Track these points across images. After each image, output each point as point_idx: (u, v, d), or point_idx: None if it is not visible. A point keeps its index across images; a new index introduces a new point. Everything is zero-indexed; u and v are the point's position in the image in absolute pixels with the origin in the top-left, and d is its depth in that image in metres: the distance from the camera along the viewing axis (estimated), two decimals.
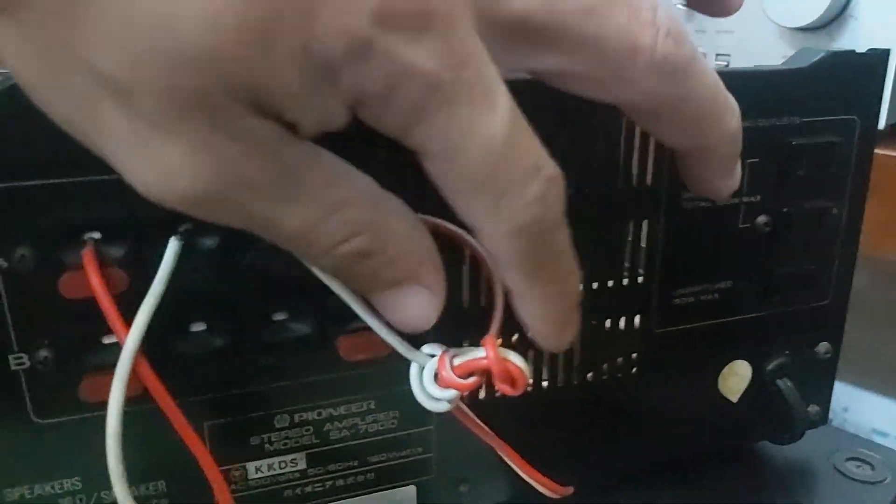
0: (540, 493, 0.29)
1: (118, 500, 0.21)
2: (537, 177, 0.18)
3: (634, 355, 0.30)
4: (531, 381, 0.22)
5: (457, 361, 0.23)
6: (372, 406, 0.26)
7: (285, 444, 0.26)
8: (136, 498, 0.22)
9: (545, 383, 0.29)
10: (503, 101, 0.18)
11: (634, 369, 0.30)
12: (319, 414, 0.26)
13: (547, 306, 0.21)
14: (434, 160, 0.18)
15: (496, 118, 0.18)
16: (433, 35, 0.17)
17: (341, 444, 0.26)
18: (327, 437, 0.26)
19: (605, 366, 0.29)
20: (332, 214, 0.18)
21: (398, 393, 0.26)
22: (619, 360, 0.30)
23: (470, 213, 0.19)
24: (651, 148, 0.27)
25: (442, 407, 0.24)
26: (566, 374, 0.29)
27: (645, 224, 0.28)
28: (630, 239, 0.28)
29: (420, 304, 0.20)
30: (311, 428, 0.26)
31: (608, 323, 0.29)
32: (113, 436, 0.21)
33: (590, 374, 0.29)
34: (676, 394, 0.31)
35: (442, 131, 0.17)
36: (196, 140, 0.16)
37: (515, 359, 0.22)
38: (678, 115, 0.22)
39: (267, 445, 0.25)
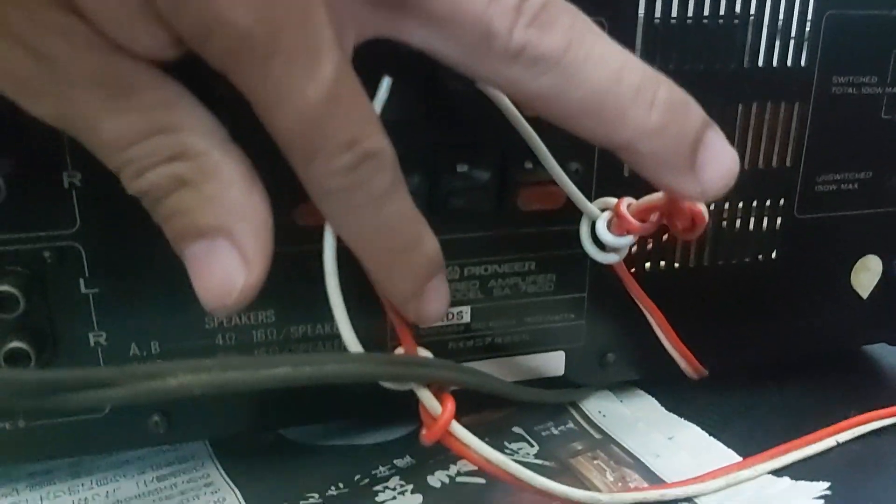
0: (675, 375, 0.31)
1: (343, 336, 0.22)
2: (351, 149, 0.18)
3: (776, 236, 0.31)
4: (708, 220, 0.23)
5: (635, 206, 0.24)
6: (532, 267, 0.28)
7: (454, 295, 0.27)
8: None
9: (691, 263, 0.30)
10: (328, 68, 0.17)
11: (775, 253, 0.31)
12: (486, 269, 0.27)
13: (381, 277, 0.21)
14: (253, 107, 0.18)
15: (314, 84, 0.17)
16: None
17: (502, 302, 0.28)
18: (490, 294, 0.28)
19: (748, 248, 0.30)
20: (158, 135, 0.18)
21: (557, 257, 0.28)
22: (763, 242, 0.31)
23: (290, 162, 0.19)
24: (807, 29, 0.28)
25: (611, 259, 0.26)
26: (712, 253, 0.30)
27: (796, 107, 0.29)
28: (781, 121, 0.29)
29: (226, 267, 0.19)
30: (477, 283, 0.27)
31: (755, 204, 0.30)
32: (330, 259, 0.22)
33: (734, 256, 0.30)
34: (812, 284, 0.32)
35: (255, 86, 0.17)
36: (22, 30, 0.16)
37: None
38: (560, 109, 0.20)
39: None
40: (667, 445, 0.29)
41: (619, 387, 0.32)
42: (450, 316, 0.28)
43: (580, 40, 0.19)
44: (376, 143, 0.19)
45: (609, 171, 0.27)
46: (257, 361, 0.19)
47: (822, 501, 0.25)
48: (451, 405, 0.22)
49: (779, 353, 0.33)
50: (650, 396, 0.32)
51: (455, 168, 0.25)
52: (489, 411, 0.30)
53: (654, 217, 0.24)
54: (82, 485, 0.26)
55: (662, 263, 0.30)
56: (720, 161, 0.21)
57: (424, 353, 0.24)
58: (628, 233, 0.24)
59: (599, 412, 0.31)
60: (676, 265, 0.30)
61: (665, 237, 0.29)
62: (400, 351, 0.23)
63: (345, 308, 0.22)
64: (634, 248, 0.29)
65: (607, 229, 0.25)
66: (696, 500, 0.26)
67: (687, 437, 0.29)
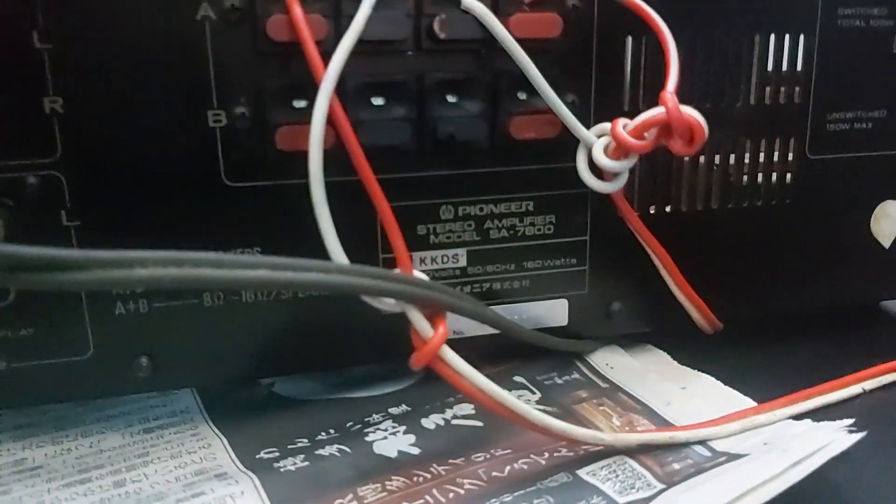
0: (688, 327, 0.29)
1: (329, 248, 0.22)
2: None
3: (789, 178, 0.29)
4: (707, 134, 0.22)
5: (631, 125, 0.23)
6: (530, 207, 0.27)
7: (448, 237, 0.26)
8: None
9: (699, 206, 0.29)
10: None
11: (788, 198, 0.29)
12: (481, 209, 0.26)
13: None
14: None
15: None
16: None
17: (499, 245, 0.27)
18: (487, 236, 0.27)
19: (760, 191, 0.29)
20: None
21: (556, 197, 0.27)
22: (774, 185, 0.29)
23: None
24: None
25: (611, 187, 0.25)
26: (721, 195, 0.29)
27: (801, 39, 0.28)
28: (786, 55, 0.28)
29: None
30: (472, 224, 0.26)
31: (763, 143, 0.29)
32: (317, 179, 0.21)
33: (744, 200, 0.29)
34: (829, 231, 0.30)
35: None
36: None
37: (693, 112, 0.22)
38: None
39: (432, 237, 0.26)
40: (679, 394, 0.27)
41: (629, 341, 0.31)
42: (444, 259, 0.27)
43: None
44: None
45: (607, 103, 0.26)
46: (234, 260, 0.18)
47: (848, 432, 0.23)
48: (443, 329, 0.21)
49: (795, 305, 0.31)
50: (661, 351, 0.30)
51: (445, 97, 0.25)
52: (489, 366, 0.29)
53: (651, 133, 0.23)
54: (67, 436, 0.25)
55: (668, 207, 0.28)
56: None
57: (420, 276, 0.23)
58: (626, 155, 0.23)
59: (607, 364, 0.29)
60: (683, 209, 0.29)
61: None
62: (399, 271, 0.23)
63: (331, 219, 0.21)
64: (638, 189, 0.28)
65: (604, 154, 0.24)
66: (709, 443, 0.24)
67: (701, 386, 0.28)
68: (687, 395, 0.27)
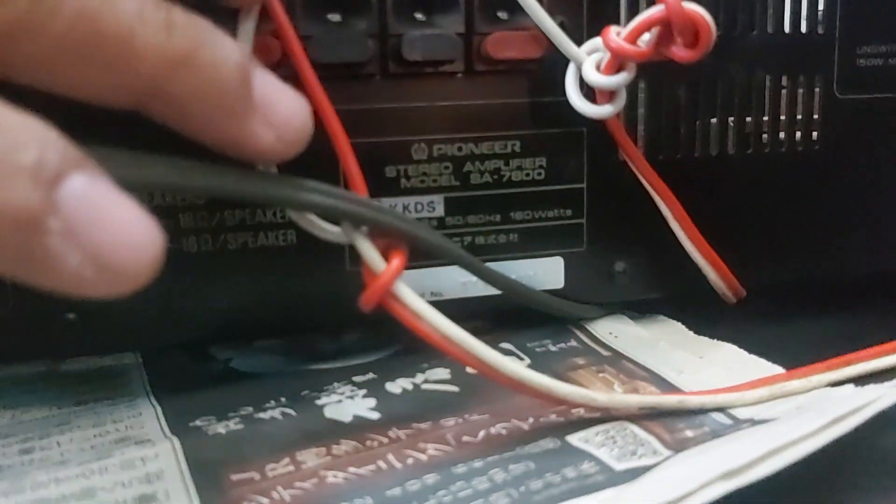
0: (704, 294, 0.26)
1: None
2: None
3: (815, 119, 0.26)
4: (716, 33, 0.19)
5: (626, 30, 0.20)
6: (517, 148, 0.24)
7: (423, 181, 0.23)
8: None
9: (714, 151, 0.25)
10: None
11: (816, 142, 0.26)
12: (460, 149, 0.23)
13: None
14: None
15: None
16: None
17: (482, 192, 0.24)
18: (467, 181, 0.23)
19: (782, 136, 0.26)
20: None
21: (547, 136, 0.24)
22: (799, 127, 0.26)
23: None
24: None
25: (605, 111, 0.21)
26: (740, 139, 0.25)
27: None
28: None
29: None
30: (450, 166, 0.23)
31: (785, 80, 0.25)
32: None
33: (766, 144, 0.25)
34: (863, 182, 0.26)
35: None
36: None
37: (696, 7, 0.19)
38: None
39: (403, 181, 0.23)
40: (695, 363, 0.23)
41: (637, 312, 0.27)
42: (419, 206, 0.23)
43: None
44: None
45: (600, 25, 0.23)
46: (151, 160, 0.15)
47: None
48: (399, 261, 0.18)
49: (827, 268, 0.27)
50: (675, 321, 0.26)
51: (413, 15, 0.22)
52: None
53: (649, 36, 0.19)
54: None
55: (679, 154, 0.25)
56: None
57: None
58: (622, 67, 0.20)
59: (610, 333, 0.25)
60: (696, 155, 0.25)
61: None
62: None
63: None
64: (643, 133, 0.24)
65: (596, 70, 0.21)
66: (730, 410, 0.20)
67: (722, 355, 0.24)
68: (704, 364, 0.23)
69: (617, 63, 0.20)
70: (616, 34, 0.20)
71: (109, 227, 0.13)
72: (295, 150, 0.17)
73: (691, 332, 0.26)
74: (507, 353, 0.24)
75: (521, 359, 0.23)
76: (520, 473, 0.17)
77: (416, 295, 0.18)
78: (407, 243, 0.19)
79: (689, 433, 0.19)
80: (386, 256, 0.18)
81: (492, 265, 0.24)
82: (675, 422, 0.19)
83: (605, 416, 0.20)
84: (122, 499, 0.16)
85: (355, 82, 0.22)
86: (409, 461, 0.18)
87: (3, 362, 0.23)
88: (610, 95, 0.21)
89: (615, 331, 0.25)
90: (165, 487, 0.17)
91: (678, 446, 0.18)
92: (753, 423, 0.19)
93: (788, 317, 0.27)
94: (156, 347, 0.24)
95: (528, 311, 0.24)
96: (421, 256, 0.21)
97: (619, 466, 0.17)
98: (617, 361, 0.23)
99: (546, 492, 0.16)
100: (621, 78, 0.20)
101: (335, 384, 0.22)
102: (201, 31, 0.15)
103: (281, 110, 0.17)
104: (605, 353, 0.24)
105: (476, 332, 0.25)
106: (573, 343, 0.24)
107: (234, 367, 0.25)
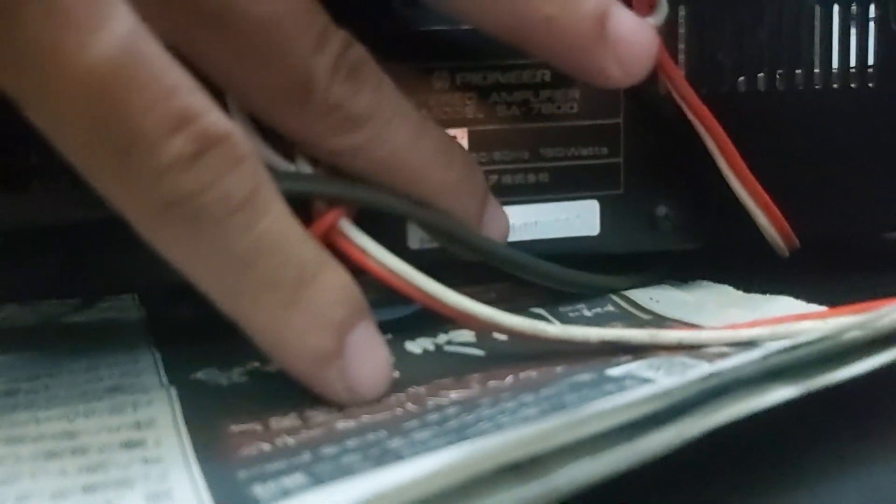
0: (754, 246, 0.23)
1: None
2: (183, 130, 0.13)
3: (870, 55, 0.23)
4: None
5: None
6: (546, 78, 0.21)
7: (445, 113, 0.21)
8: None
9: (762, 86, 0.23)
10: (117, 18, 0.13)
11: (870, 74, 0.23)
12: (485, 78, 0.21)
13: (270, 336, 0.16)
14: (23, 104, 0.13)
15: (100, 39, 0.12)
16: None
17: (509, 126, 0.22)
18: (493, 114, 0.21)
19: (835, 70, 0.23)
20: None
21: None
22: (853, 63, 0.23)
23: (104, 189, 0.14)
24: None
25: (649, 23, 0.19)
26: (787, 75, 0.23)
27: None
28: None
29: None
30: (473, 96, 0.21)
31: (836, 9, 0.23)
32: None
33: (816, 79, 0.23)
34: None
35: (8, 60, 0.13)
36: None
37: None
38: (362, 166, 0.18)
39: (424, 111, 0.21)
40: (748, 317, 0.21)
41: (680, 280, 0.24)
42: None
43: (387, 98, 0.18)
44: (219, 122, 0.14)
45: None
46: None
47: None
48: (345, 207, 0.18)
49: (884, 220, 0.25)
50: (721, 284, 0.24)
51: None
52: (503, 302, 0.23)
53: None
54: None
55: (724, 89, 0.23)
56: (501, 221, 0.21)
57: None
58: None
59: (651, 298, 0.23)
60: (742, 90, 0.23)
61: None
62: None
63: None
64: (684, 66, 0.22)
65: None
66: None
67: (777, 307, 0.21)
68: (759, 317, 0.21)
69: None
70: None
71: (369, 367, 0.16)
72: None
73: (740, 291, 0.23)
74: (536, 317, 0.21)
75: (551, 323, 0.21)
76: (553, 394, 0.15)
77: (360, 232, 0.17)
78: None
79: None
80: None
81: (520, 208, 0.22)
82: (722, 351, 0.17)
83: (648, 351, 0.17)
84: (107, 443, 0.14)
85: (373, 6, 0.20)
86: (430, 405, 0.16)
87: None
88: (649, 6, 0.19)
89: (656, 296, 0.23)
90: (157, 434, 0.15)
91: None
92: None
93: (849, 272, 0.24)
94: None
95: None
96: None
97: (667, 381, 0.15)
98: (660, 322, 0.21)
99: (580, 399, 0.14)
100: None
101: None
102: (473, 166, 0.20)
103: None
104: (645, 316, 0.21)
105: (502, 296, 0.24)
106: (610, 308, 0.22)
107: None
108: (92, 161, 0.14)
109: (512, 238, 0.22)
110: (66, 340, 0.22)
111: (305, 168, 0.18)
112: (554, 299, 0.23)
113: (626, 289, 0.24)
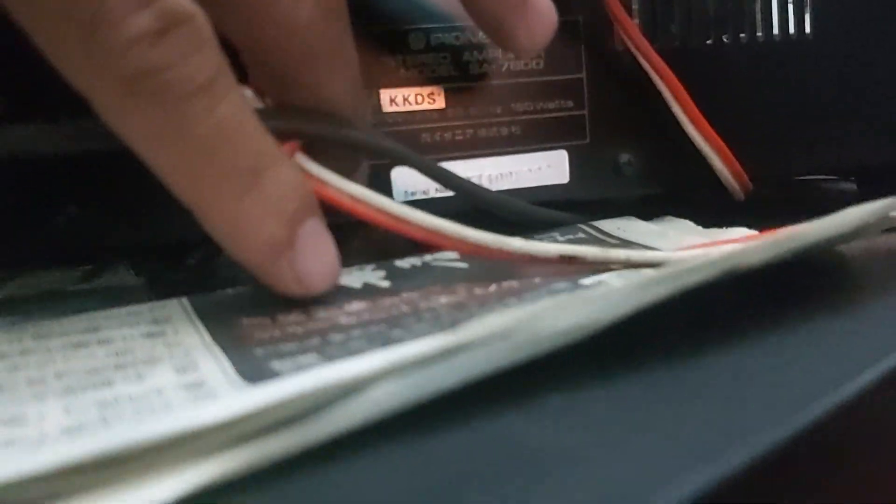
0: (711, 187, 0.25)
1: None
2: (148, 7, 0.14)
3: (807, 4, 0.26)
4: None
5: None
6: None
7: (421, 71, 0.23)
8: None
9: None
10: None
11: (808, 24, 0.26)
12: (457, 38, 0.23)
13: (221, 221, 0.16)
14: None
15: None
16: None
17: (482, 83, 0.24)
18: (466, 71, 0.23)
19: (774, 19, 0.26)
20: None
21: None
22: (791, 11, 0.26)
23: (66, 68, 0.14)
24: None
25: None
26: (734, 26, 0.25)
27: None
28: None
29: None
30: (448, 56, 0.23)
31: None
32: None
33: (761, 32, 0.25)
34: (861, 68, 0.26)
35: None
36: None
37: None
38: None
39: (402, 70, 0.23)
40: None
41: (643, 214, 0.26)
42: (419, 99, 0.23)
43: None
44: (183, 3, 0.14)
45: None
46: None
47: None
48: (295, 141, 0.18)
49: (830, 160, 0.27)
50: (683, 220, 0.26)
51: None
52: None
53: None
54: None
55: (676, 42, 0.25)
56: None
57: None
58: None
59: (618, 228, 0.24)
60: (692, 44, 0.25)
61: None
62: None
63: None
64: (638, 22, 0.24)
65: None
66: None
67: (735, 234, 0.23)
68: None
69: None
70: None
71: (319, 260, 0.17)
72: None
73: (700, 227, 0.25)
74: None
75: None
76: (533, 297, 0.17)
77: (317, 164, 0.18)
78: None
79: None
80: None
81: (496, 160, 0.24)
82: None
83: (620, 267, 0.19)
84: (129, 334, 0.15)
85: None
86: (422, 306, 0.17)
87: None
88: None
89: (623, 226, 0.25)
90: (174, 327, 0.16)
91: None
92: None
93: (796, 213, 0.26)
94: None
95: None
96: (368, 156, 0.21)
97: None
98: (627, 246, 0.23)
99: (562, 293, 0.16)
100: None
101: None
102: None
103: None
104: (612, 241, 0.23)
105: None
106: (580, 235, 0.24)
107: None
108: (56, 36, 0.14)
109: (489, 188, 0.24)
110: (71, 305, 0.23)
111: (256, 104, 0.19)
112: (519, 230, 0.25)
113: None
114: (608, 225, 0.25)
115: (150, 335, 0.15)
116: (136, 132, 0.15)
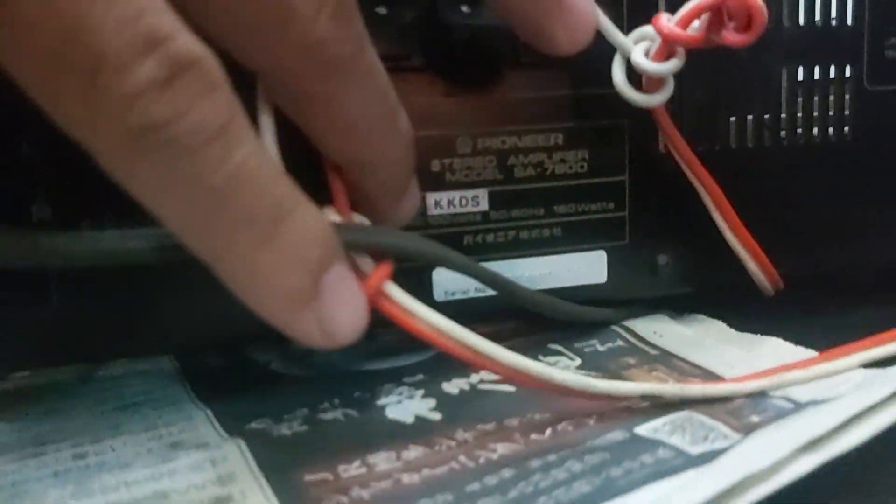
0: (744, 287, 0.25)
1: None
2: (153, 53, 0.13)
3: (846, 112, 0.26)
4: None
5: (677, 16, 0.20)
6: (560, 141, 0.23)
7: (466, 175, 0.23)
8: None
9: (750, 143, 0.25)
10: None
11: (847, 130, 0.26)
12: (503, 142, 0.23)
13: (241, 276, 0.15)
14: None
15: None
16: None
17: (526, 185, 0.23)
18: (511, 174, 0.23)
19: (815, 125, 0.26)
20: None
21: (589, 129, 0.23)
22: (830, 117, 0.26)
23: (67, 122, 0.13)
24: None
25: (655, 100, 0.21)
26: (773, 132, 0.25)
27: None
28: None
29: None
30: (493, 159, 0.23)
31: (817, 72, 0.25)
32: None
33: (799, 136, 0.25)
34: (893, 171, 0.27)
35: None
36: None
37: None
38: (329, 119, 0.17)
39: (448, 174, 0.23)
40: (743, 358, 0.23)
41: (678, 312, 0.27)
42: (464, 201, 0.23)
43: (366, 47, 0.16)
44: (190, 46, 0.13)
45: (641, 7, 0.22)
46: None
47: None
48: (386, 265, 0.18)
49: (863, 258, 0.27)
50: (715, 320, 0.26)
51: (458, 6, 0.22)
52: (519, 337, 0.25)
53: (700, 22, 0.19)
54: (27, 414, 0.21)
55: (718, 146, 0.25)
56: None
57: (360, 219, 0.19)
58: (672, 54, 0.20)
59: (654, 332, 0.25)
60: (733, 146, 0.25)
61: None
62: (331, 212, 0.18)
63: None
64: (681, 126, 0.24)
65: (646, 57, 0.20)
66: (790, 394, 0.20)
67: (767, 348, 0.23)
68: (753, 358, 0.23)
69: (667, 50, 0.20)
70: (667, 20, 0.20)
71: (346, 309, 0.16)
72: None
73: (733, 330, 0.25)
74: (555, 352, 0.23)
75: (571, 359, 0.23)
76: (597, 463, 0.17)
77: (405, 294, 0.17)
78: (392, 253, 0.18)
79: (754, 418, 0.19)
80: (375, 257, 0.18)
81: (535, 260, 0.24)
82: (739, 409, 0.19)
83: (669, 408, 0.19)
84: (199, 500, 0.15)
85: (401, 75, 0.22)
86: (482, 460, 0.17)
87: (44, 365, 0.23)
88: (658, 83, 0.21)
89: (658, 330, 0.25)
90: (241, 488, 0.16)
91: (747, 430, 0.18)
92: (816, 403, 0.19)
93: (826, 308, 0.27)
94: (195, 349, 0.23)
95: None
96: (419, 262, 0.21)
97: (694, 450, 0.17)
98: (667, 360, 0.23)
99: (627, 477, 0.16)
100: (672, 64, 0.20)
101: (387, 385, 0.22)
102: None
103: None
104: (653, 351, 0.24)
105: (518, 332, 0.25)
106: (620, 343, 0.24)
107: (274, 370, 0.24)
108: (54, 88, 0.13)
109: (527, 286, 0.24)
110: (108, 395, 0.22)
111: (335, 217, 0.18)
112: (565, 335, 0.25)
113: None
114: (643, 328, 0.25)
115: (219, 500, 0.15)
116: (144, 185, 0.14)
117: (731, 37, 0.19)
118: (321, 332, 0.16)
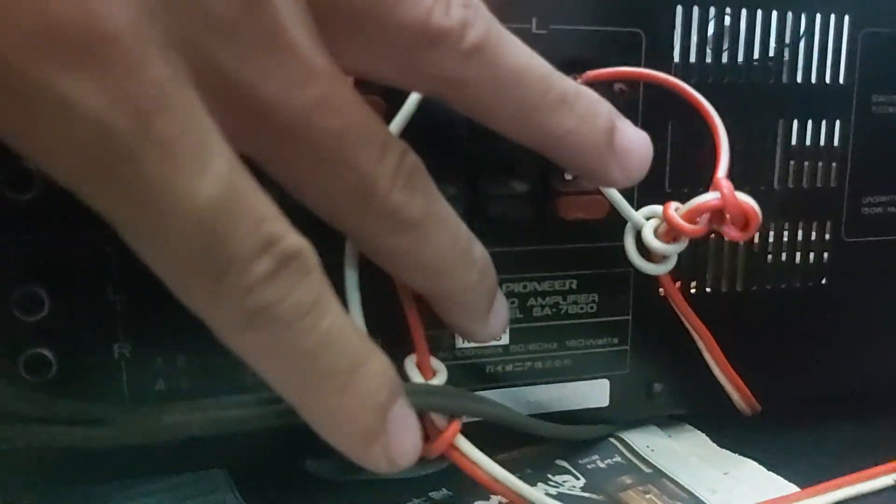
0: (727, 409, 0.29)
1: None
2: (268, 251, 0.15)
3: (825, 259, 0.29)
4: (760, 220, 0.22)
5: (683, 209, 0.23)
6: (574, 286, 0.27)
7: None
8: None
9: (737, 287, 0.29)
10: (217, 159, 0.15)
11: (824, 279, 0.29)
12: (525, 287, 0.26)
13: (324, 418, 0.18)
14: (127, 232, 0.15)
15: (206, 181, 0.14)
16: (100, 66, 0.13)
17: (542, 323, 0.27)
18: (530, 314, 0.26)
19: (796, 273, 0.29)
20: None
21: (599, 276, 0.27)
22: (811, 267, 0.29)
23: (193, 304, 0.16)
24: (843, 45, 0.28)
25: (660, 270, 0.25)
26: (759, 276, 0.29)
27: (837, 125, 0.28)
28: (822, 142, 0.29)
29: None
30: (515, 301, 0.26)
31: (800, 226, 0.29)
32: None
33: (782, 281, 0.29)
34: (866, 313, 0.30)
35: (125, 197, 0.14)
36: None
37: (748, 198, 0.22)
38: (406, 265, 0.20)
39: None
40: (723, 480, 0.27)
41: (667, 423, 0.30)
42: None
43: (436, 204, 0.20)
44: (294, 242, 0.16)
45: (650, 184, 0.26)
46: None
47: None
48: (457, 423, 0.22)
49: (833, 388, 0.31)
50: (700, 432, 0.30)
51: (495, 178, 0.25)
52: (529, 446, 0.28)
53: (704, 219, 0.23)
54: None
55: (708, 288, 0.28)
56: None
57: (439, 366, 0.23)
58: (677, 238, 0.23)
59: (647, 447, 0.28)
60: (723, 289, 0.29)
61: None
62: (412, 360, 0.23)
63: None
64: (676, 269, 0.28)
65: (654, 236, 0.24)
66: None
67: (744, 472, 0.27)
68: (731, 482, 0.26)
69: (674, 233, 0.23)
70: (674, 210, 0.23)
71: (407, 439, 0.19)
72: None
73: (715, 445, 0.29)
74: (563, 470, 0.27)
75: (577, 478, 0.26)
76: None
77: (473, 447, 0.21)
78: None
79: None
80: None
81: (547, 387, 0.27)
82: None
83: None
84: None
85: None
86: None
87: (107, 478, 0.25)
88: (664, 257, 0.24)
89: (651, 444, 0.29)
90: None
91: None
92: None
93: (797, 428, 0.30)
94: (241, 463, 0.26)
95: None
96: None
97: None
98: (658, 480, 0.26)
99: None
100: (677, 247, 0.23)
101: (414, 499, 0.25)
102: (489, 266, 0.22)
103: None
104: (646, 469, 0.27)
105: (531, 444, 0.28)
106: (618, 458, 0.28)
107: (307, 472, 0.27)
108: (188, 283, 0.15)
109: (540, 411, 0.27)
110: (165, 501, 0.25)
111: (417, 378, 0.22)
112: (568, 451, 0.28)
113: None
114: (638, 441, 0.29)
115: None
116: (250, 350, 0.17)
117: (732, 233, 0.22)
118: (387, 461, 0.18)
